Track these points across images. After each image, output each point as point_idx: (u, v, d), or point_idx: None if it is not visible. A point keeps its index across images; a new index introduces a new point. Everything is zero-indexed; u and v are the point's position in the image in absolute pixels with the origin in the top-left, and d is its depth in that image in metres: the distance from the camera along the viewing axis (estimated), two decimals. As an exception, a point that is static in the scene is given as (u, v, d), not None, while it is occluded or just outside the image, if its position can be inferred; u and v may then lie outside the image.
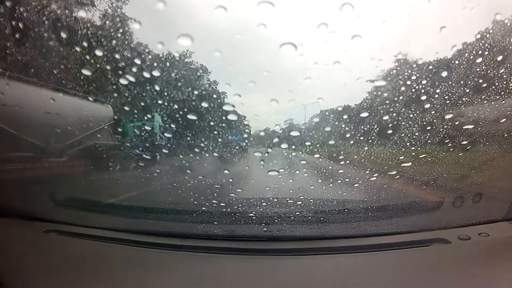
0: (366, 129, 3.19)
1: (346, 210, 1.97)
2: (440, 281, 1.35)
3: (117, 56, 5.00)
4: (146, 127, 5.49)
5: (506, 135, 2.33)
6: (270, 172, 2.30)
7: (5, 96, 5.32)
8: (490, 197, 1.98)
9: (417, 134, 2.84)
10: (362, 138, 3.10)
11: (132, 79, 2.86)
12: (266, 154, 2.94)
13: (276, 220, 1.92)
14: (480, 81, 2.55)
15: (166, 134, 5.15)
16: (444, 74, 2.79)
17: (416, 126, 2.88)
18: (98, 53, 4.14)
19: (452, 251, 1.59)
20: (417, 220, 1.94)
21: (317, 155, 3.02)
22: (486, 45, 2.59)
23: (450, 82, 2.75)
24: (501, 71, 2.46)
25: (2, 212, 1.96)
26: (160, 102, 4.16)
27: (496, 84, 2.42)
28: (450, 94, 2.74)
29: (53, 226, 1.90)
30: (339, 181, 2.53)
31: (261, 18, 1.90)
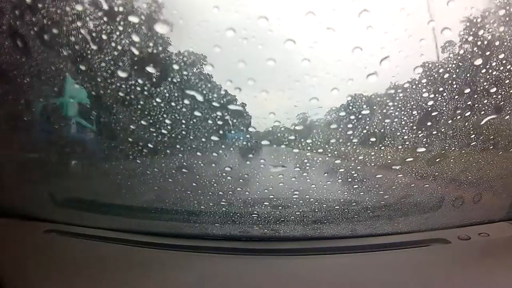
0: (369, 127, 3.18)
1: (346, 210, 1.98)
2: (440, 281, 1.36)
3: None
4: (52, 108, 3.03)
5: (506, 134, 2.33)
6: (271, 171, 2.30)
7: None
8: (490, 197, 1.98)
9: (420, 132, 2.84)
10: (366, 136, 3.10)
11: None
12: (267, 152, 2.92)
13: (276, 220, 1.92)
14: (482, 80, 2.54)
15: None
16: (446, 75, 2.77)
17: (420, 124, 2.88)
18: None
19: (452, 251, 1.59)
20: (417, 220, 1.94)
21: (320, 151, 3.01)
22: (488, 46, 2.58)
23: (452, 83, 2.73)
24: (502, 69, 2.45)
25: (2, 212, 1.97)
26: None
27: (497, 83, 2.40)
28: (453, 94, 2.73)
29: (53, 226, 1.90)
30: (340, 180, 2.52)
31: (263, 12, 1.88)
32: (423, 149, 2.64)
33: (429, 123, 2.79)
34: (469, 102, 2.49)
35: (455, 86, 2.73)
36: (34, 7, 2.34)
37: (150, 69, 2.56)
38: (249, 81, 2.11)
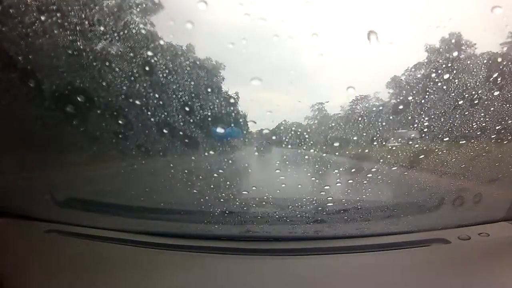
0: (369, 127, 3.19)
1: (346, 210, 1.98)
2: (440, 281, 1.36)
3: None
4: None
5: (507, 133, 2.33)
6: (271, 171, 2.31)
7: None
8: (490, 197, 1.98)
9: (425, 130, 2.85)
10: (365, 136, 3.10)
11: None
12: (268, 152, 2.94)
13: (276, 220, 1.92)
14: (483, 79, 2.56)
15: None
16: (446, 76, 2.80)
17: (424, 122, 2.89)
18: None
19: (452, 251, 1.59)
20: (417, 220, 1.94)
21: (321, 151, 3.02)
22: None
23: (456, 83, 2.75)
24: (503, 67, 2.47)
25: (2, 212, 1.96)
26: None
27: (499, 83, 2.42)
28: (457, 94, 2.74)
29: (54, 226, 1.90)
30: (340, 181, 2.53)
31: (280, 14, 1.88)
32: (423, 149, 2.65)
33: (425, 124, 2.80)
34: (469, 104, 2.50)
35: (459, 90, 2.74)
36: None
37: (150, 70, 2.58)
38: (253, 81, 2.12)
